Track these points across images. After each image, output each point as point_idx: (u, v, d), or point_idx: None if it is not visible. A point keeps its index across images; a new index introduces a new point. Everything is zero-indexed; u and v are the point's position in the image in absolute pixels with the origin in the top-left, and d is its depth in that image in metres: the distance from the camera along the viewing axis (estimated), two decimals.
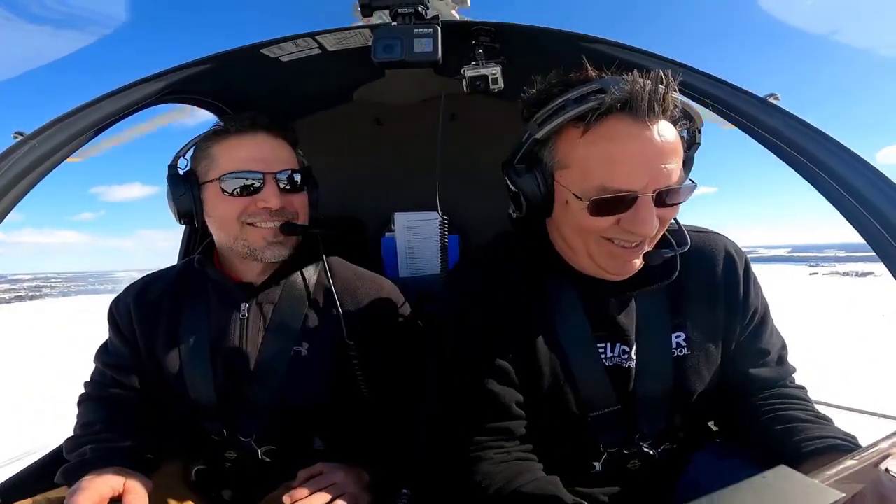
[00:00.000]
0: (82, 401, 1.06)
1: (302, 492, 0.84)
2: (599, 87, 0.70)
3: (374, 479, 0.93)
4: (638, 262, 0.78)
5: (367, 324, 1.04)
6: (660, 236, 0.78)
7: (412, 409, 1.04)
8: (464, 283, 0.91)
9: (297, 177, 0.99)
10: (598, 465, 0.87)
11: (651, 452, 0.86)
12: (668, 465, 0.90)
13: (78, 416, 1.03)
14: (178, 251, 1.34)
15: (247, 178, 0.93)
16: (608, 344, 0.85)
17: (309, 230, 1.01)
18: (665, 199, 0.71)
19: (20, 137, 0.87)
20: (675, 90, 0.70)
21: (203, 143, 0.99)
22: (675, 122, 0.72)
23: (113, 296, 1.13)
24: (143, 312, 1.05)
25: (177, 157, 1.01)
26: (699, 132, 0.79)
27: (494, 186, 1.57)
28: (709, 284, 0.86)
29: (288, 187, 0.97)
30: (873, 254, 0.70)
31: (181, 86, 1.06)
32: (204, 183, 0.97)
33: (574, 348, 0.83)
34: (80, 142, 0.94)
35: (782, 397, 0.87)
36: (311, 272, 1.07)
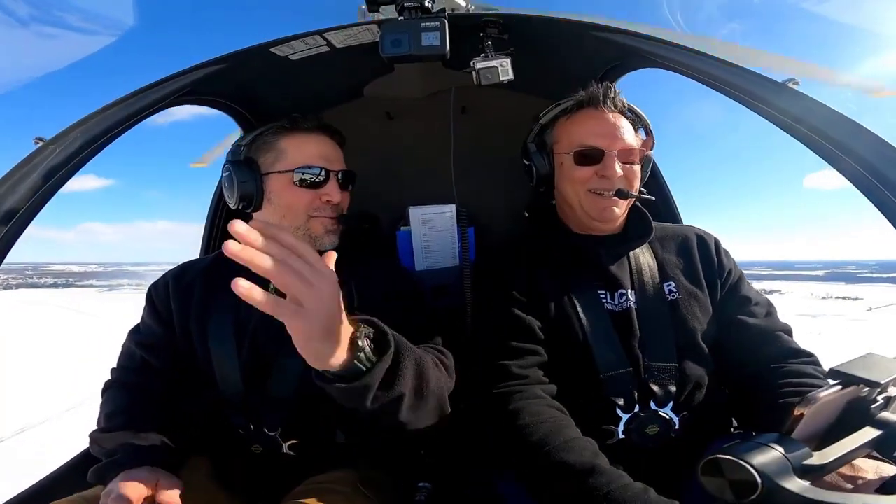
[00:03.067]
0: (107, 388, 1.08)
1: None
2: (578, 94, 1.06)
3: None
4: (618, 210, 1.01)
5: (381, 294, 1.06)
6: (633, 191, 1.01)
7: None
8: (488, 255, 1.19)
9: (348, 176, 1.09)
10: (618, 430, 0.92)
11: (667, 417, 0.93)
12: (689, 446, 0.91)
13: (101, 404, 1.05)
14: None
15: (315, 173, 1.02)
16: (608, 292, 1.02)
17: (360, 223, 1.10)
18: (625, 157, 1.00)
19: (40, 143, 0.89)
20: (620, 95, 1.03)
21: (268, 137, 1.06)
22: (623, 114, 1.03)
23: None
24: (179, 291, 1.10)
25: (239, 146, 1.08)
26: (648, 129, 1.08)
27: (507, 176, 1.57)
28: (687, 257, 1.07)
29: (343, 184, 1.07)
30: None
31: (192, 87, 1.07)
32: (270, 173, 1.03)
33: (579, 296, 1.00)
34: (99, 145, 0.96)
35: (795, 375, 0.90)
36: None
